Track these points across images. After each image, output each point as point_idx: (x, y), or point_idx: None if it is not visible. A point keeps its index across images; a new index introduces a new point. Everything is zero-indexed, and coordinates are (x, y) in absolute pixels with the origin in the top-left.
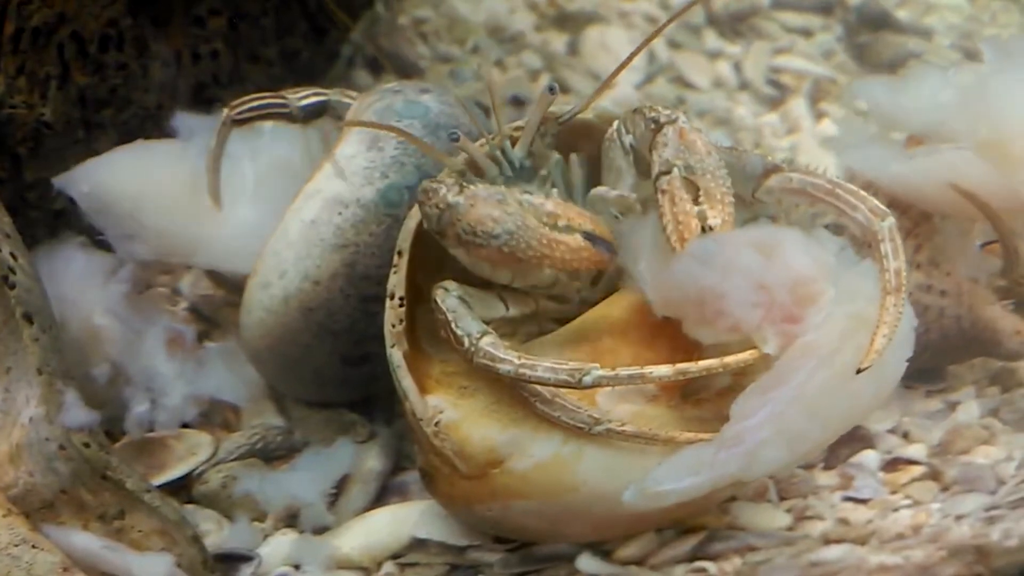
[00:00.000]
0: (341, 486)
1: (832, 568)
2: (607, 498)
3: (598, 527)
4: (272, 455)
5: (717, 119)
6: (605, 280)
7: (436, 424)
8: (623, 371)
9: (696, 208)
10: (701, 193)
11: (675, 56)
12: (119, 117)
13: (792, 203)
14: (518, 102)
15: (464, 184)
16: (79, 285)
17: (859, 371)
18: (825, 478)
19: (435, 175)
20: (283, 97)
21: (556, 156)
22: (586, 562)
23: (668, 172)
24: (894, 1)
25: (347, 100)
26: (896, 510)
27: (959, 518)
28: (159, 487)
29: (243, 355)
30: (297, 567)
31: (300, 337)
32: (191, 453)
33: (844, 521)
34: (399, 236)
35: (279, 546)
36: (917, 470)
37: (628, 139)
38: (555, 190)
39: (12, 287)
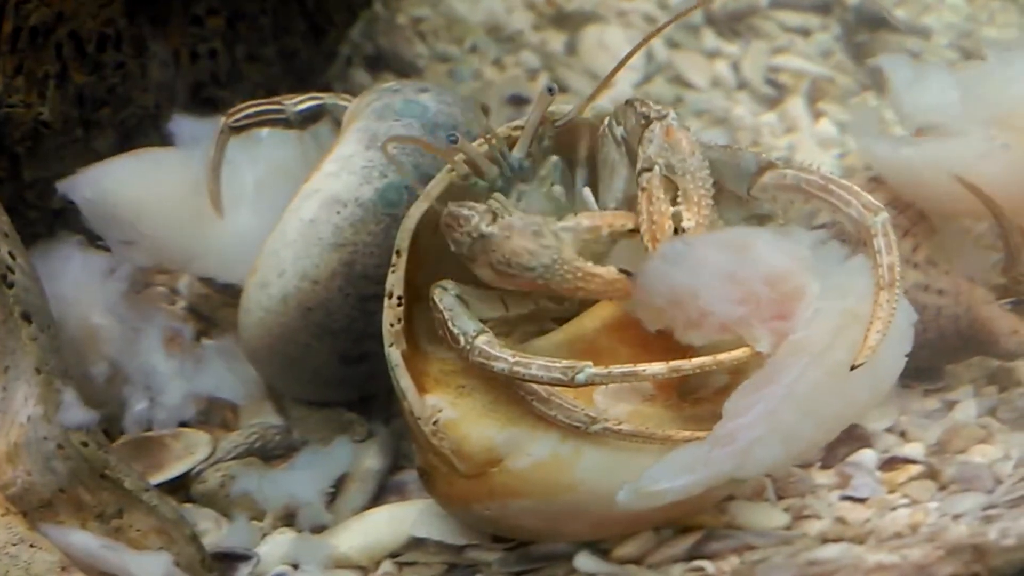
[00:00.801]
0: (339, 485)
1: (830, 567)
2: (605, 497)
3: (596, 526)
4: (270, 454)
5: (715, 118)
6: None
7: (434, 423)
8: (616, 369)
9: (672, 209)
10: (679, 194)
11: (673, 55)
12: (117, 116)
13: (787, 200)
14: (517, 101)
15: (496, 212)
16: (77, 284)
17: (853, 368)
18: (823, 477)
19: (433, 175)
20: (279, 103)
21: (554, 157)
22: (584, 561)
23: (649, 169)
24: (892, 0)
25: (343, 103)
26: (894, 509)
27: (956, 517)
28: (157, 486)
29: (241, 353)
30: (295, 566)
31: (298, 336)
32: (189, 452)
33: (842, 520)
34: (397, 235)
35: (277, 545)
36: (915, 469)
37: (619, 131)
38: (556, 187)
39: (10, 286)
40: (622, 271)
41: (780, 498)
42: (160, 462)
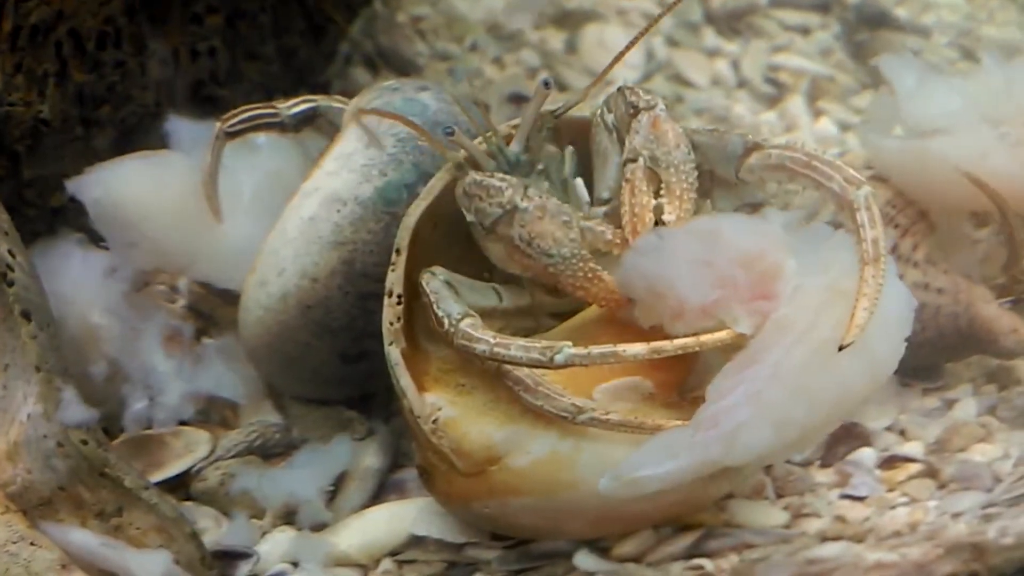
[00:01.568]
0: (339, 483)
1: (829, 566)
2: (603, 494)
3: (595, 524)
4: (270, 452)
5: (715, 117)
6: None
7: (434, 421)
8: (596, 349)
9: (655, 201)
10: (662, 186)
11: (673, 54)
12: (117, 115)
13: (774, 180)
14: (517, 99)
15: (529, 188)
16: (77, 282)
17: (841, 347)
18: (822, 475)
19: (433, 173)
20: (273, 107)
21: (553, 150)
22: (584, 559)
23: (634, 160)
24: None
25: (337, 105)
26: (893, 508)
27: (956, 516)
28: (157, 484)
29: (241, 352)
30: (295, 564)
31: (298, 335)
32: (189, 450)
33: (841, 519)
34: (397, 234)
35: (277, 543)
36: (914, 468)
37: (610, 118)
38: (549, 192)
39: (10, 284)
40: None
41: (779, 496)
42: (160, 460)
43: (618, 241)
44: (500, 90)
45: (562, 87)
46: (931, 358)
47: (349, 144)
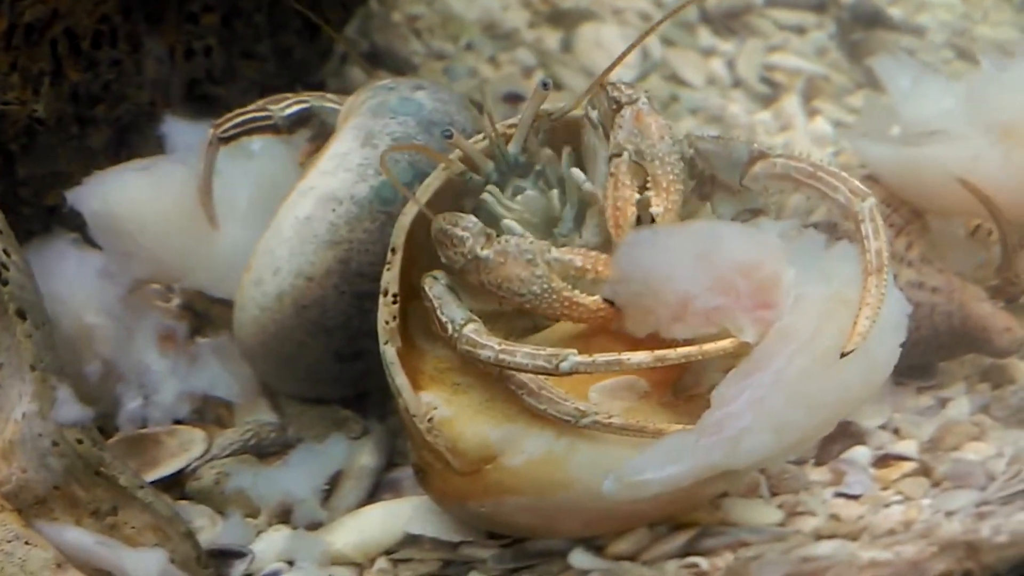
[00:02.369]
0: (334, 482)
1: (823, 564)
2: (600, 494)
3: (591, 523)
4: (265, 451)
5: (710, 116)
6: None
7: (429, 420)
8: (601, 357)
9: (641, 195)
10: (649, 179)
11: (668, 53)
12: (112, 113)
13: (778, 188)
14: (513, 98)
15: (489, 233)
16: (72, 282)
17: (843, 355)
18: (816, 474)
19: (430, 172)
20: (266, 109)
21: (549, 152)
22: (579, 557)
23: (619, 155)
24: None
25: (330, 105)
26: (887, 506)
27: (950, 514)
28: (152, 483)
29: (236, 351)
30: (290, 563)
31: (294, 334)
32: (184, 449)
33: (835, 517)
34: (393, 233)
35: (272, 542)
36: (908, 466)
37: (595, 115)
38: (554, 191)
39: (5, 283)
40: (606, 301)
41: (774, 495)
42: (155, 459)
43: (588, 267)
44: (496, 89)
45: (558, 86)
46: (925, 357)
47: (345, 143)
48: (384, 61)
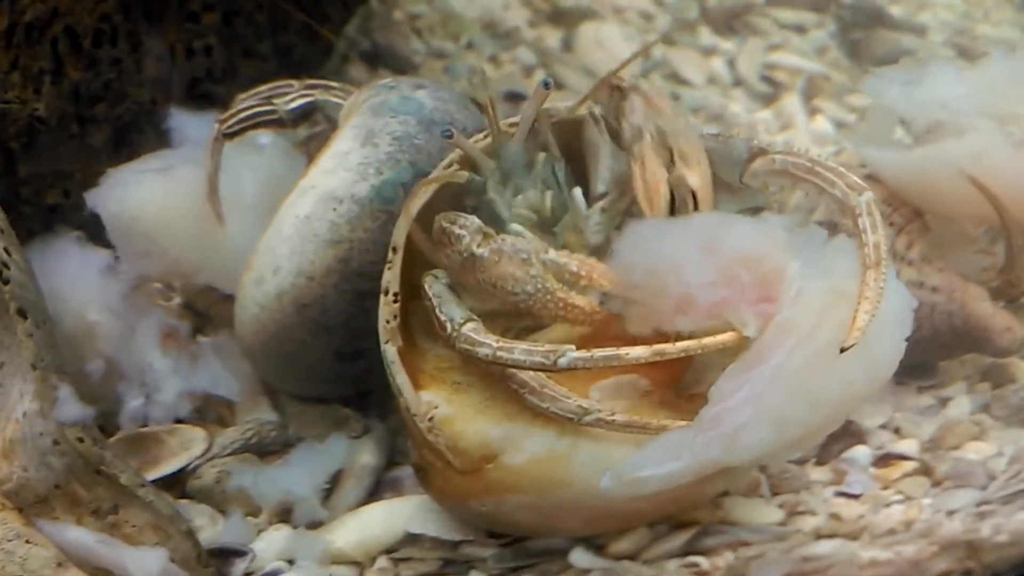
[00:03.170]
0: (335, 481)
1: (824, 563)
2: (600, 493)
3: (591, 522)
4: (266, 450)
5: (711, 115)
6: None
7: (430, 420)
8: (599, 352)
9: (671, 173)
10: (676, 155)
11: (669, 52)
12: (113, 112)
13: (778, 185)
14: (513, 97)
15: (487, 232)
16: (74, 280)
17: (843, 350)
18: (817, 473)
19: (430, 172)
20: (271, 103)
21: (544, 154)
22: (579, 556)
23: (640, 138)
24: None
25: (335, 100)
26: (888, 505)
27: (950, 513)
28: (153, 482)
29: (237, 349)
30: (291, 562)
31: (294, 333)
32: (185, 448)
33: (836, 516)
34: (394, 232)
35: (273, 541)
36: (909, 466)
37: (597, 109)
38: (549, 192)
39: (6, 282)
40: (602, 303)
41: (774, 494)
42: (156, 458)
43: (582, 274)
44: (496, 88)
45: (559, 85)
46: (926, 356)
47: (345, 142)
48: (385, 60)
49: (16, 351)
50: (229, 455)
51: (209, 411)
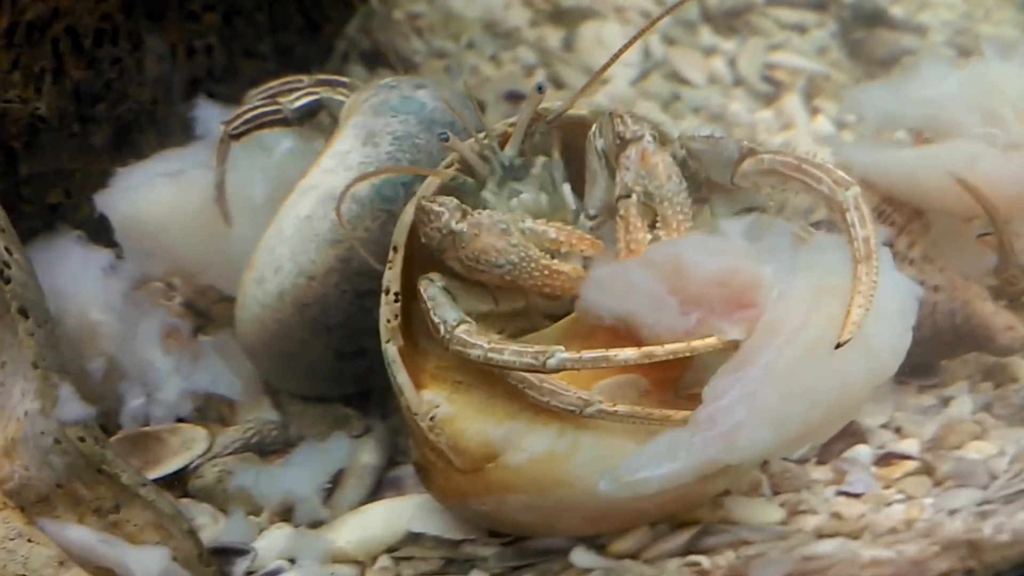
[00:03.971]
0: (336, 480)
1: (825, 562)
2: (602, 492)
3: (592, 521)
4: (267, 449)
5: (712, 115)
6: None
7: (431, 419)
8: (587, 354)
9: (651, 234)
10: (659, 219)
11: (670, 52)
12: (114, 111)
13: (768, 184)
14: (513, 97)
15: (466, 209)
16: (75, 279)
17: (838, 346)
18: (818, 473)
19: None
20: (276, 103)
21: (543, 158)
22: (580, 556)
23: (627, 196)
24: None
25: (339, 98)
26: (889, 505)
27: (952, 513)
28: (155, 481)
29: (238, 348)
30: (292, 561)
31: (295, 332)
32: (186, 447)
33: (837, 515)
34: (394, 231)
35: (274, 540)
36: (910, 465)
37: (600, 144)
38: (544, 196)
39: (7, 281)
40: (586, 267)
41: (776, 493)
42: (157, 457)
43: (562, 239)
44: (496, 88)
45: (559, 85)
46: (927, 355)
47: (346, 142)
48: (384, 59)
49: (17, 350)
50: (230, 454)
51: (210, 410)
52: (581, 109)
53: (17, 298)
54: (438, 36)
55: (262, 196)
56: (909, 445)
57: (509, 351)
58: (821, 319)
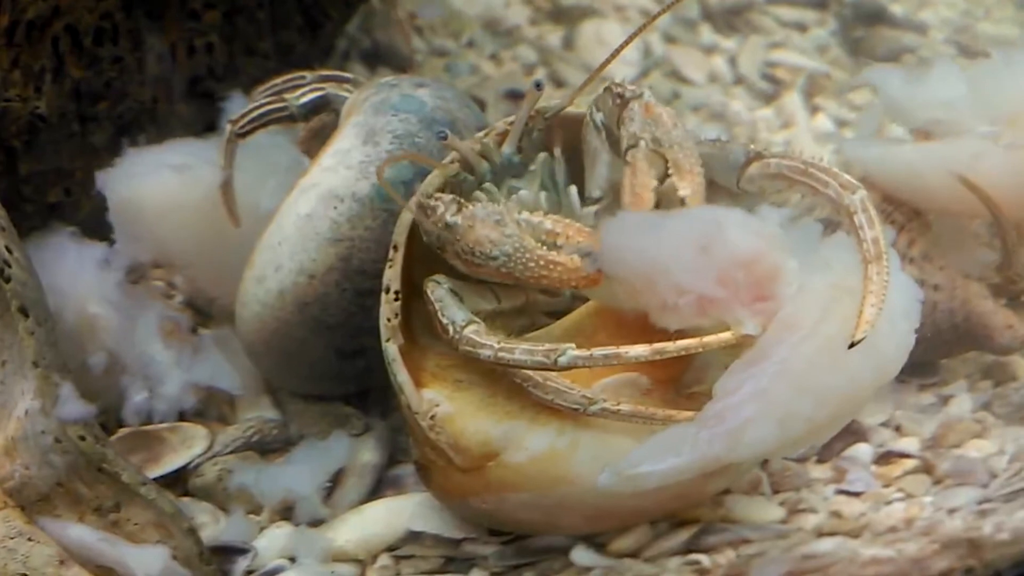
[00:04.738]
0: (336, 479)
1: (825, 561)
2: (601, 491)
3: (593, 519)
4: (268, 448)
5: (712, 113)
6: None
7: (431, 417)
8: (598, 351)
9: (664, 182)
10: (670, 165)
11: (670, 51)
12: (114, 110)
13: (774, 188)
14: (514, 96)
15: (462, 202)
16: (72, 275)
17: (852, 345)
18: (818, 471)
19: (431, 170)
20: (282, 99)
21: (544, 154)
22: (580, 554)
23: (635, 146)
24: None
25: (345, 94)
26: (889, 503)
27: (951, 511)
28: (155, 480)
29: (238, 344)
30: (293, 560)
31: (295, 331)
32: (187, 446)
33: (837, 514)
34: (395, 230)
35: (275, 539)
36: (910, 463)
37: (599, 117)
38: (544, 193)
39: (7, 280)
40: (583, 256)
41: (775, 492)
42: (158, 456)
43: (559, 231)
44: (497, 86)
45: (559, 83)
46: (927, 354)
47: (347, 140)
48: (385, 58)
49: (17, 349)
50: (231, 453)
51: (211, 409)
52: (580, 107)
53: (17, 297)
54: (438, 35)
55: (269, 196)
56: (909, 443)
57: (520, 350)
58: (836, 318)
